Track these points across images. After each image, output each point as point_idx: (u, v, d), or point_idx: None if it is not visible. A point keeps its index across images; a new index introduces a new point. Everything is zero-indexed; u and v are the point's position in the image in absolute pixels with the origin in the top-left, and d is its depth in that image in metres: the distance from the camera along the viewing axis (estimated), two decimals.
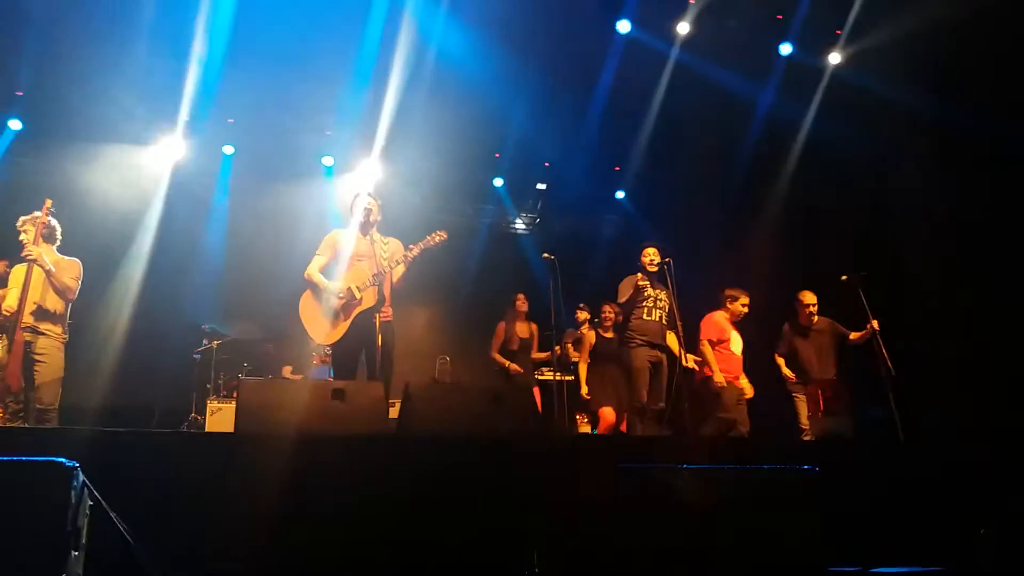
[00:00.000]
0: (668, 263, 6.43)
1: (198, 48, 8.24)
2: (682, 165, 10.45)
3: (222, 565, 2.90)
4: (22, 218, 5.50)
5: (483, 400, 4.45)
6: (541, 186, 11.13)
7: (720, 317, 6.89)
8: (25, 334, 5.20)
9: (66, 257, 5.56)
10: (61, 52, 8.41)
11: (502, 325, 8.11)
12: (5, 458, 2.19)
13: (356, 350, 5.28)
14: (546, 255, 6.64)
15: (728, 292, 6.99)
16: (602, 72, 8.89)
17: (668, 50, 8.69)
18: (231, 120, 9.67)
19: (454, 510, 3.34)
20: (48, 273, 5.31)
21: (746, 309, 6.93)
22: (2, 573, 2.11)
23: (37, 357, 5.25)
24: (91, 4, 7.49)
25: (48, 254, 5.42)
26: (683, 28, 8.45)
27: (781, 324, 7.25)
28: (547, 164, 10.82)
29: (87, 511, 2.23)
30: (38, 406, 5.19)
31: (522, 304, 8.19)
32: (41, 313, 5.32)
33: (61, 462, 2.19)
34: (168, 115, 9.14)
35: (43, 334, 5.31)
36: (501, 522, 3.29)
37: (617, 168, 10.86)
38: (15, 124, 9.16)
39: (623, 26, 8.45)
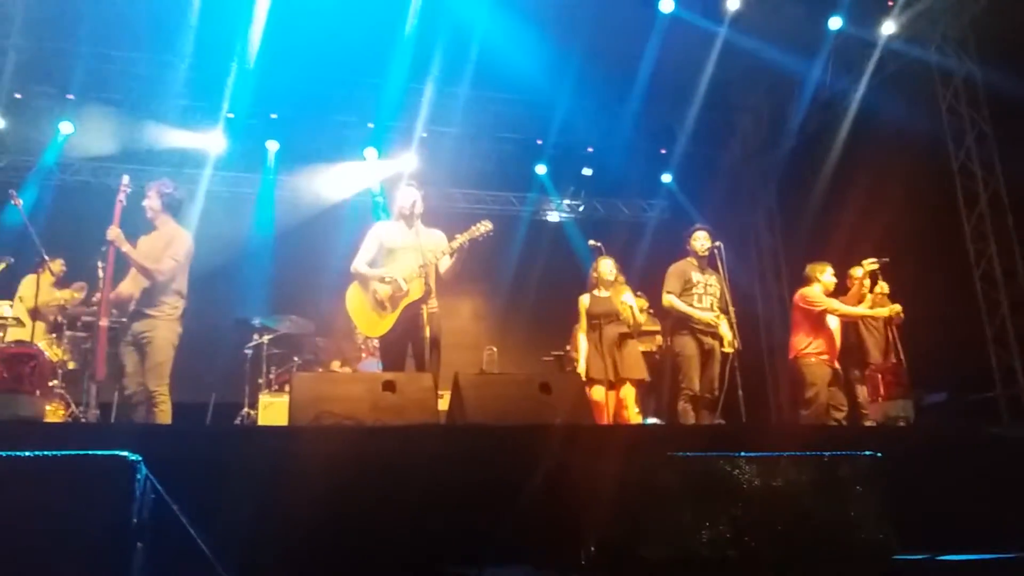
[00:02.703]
0: (719, 247, 6.31)
1: (241, 45, 8.35)
2: (730, 145, 10.31)
3: (279, 555, 2.93)
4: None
5: (532, 389, 4.42)
6: (586, 172, 11.05)
7: (815, 292, 6.66)
8: (106, 320, 5.18)
9: (176, 230, 5.49)
10: (110, 54, 8.61)
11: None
12: (71, 452, 2.23)
13: (404, 342, 5.28)
14: (593, 242, 6.56)
15: (811, 267, 6.80)
16: (645, 53, 8.77)
17: (714, 27, 8.52)
18: (274, 115, 9.79)
19: (506, 499, 3.33)
20: (126, 255, 5.21)
21: (836, 280, 6.74)
22: (72, 565, 2.15)
23: (142, 340, 5.21)
24: (138, 5, 7.62)
25: (164, 226, 5.42)
26: (733, 4, 8.27)
27: None
28: (591, 149, 10.73)
29: (150, 504, 2.27)
30: (149, 388, 5.16)
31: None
32: (143, 295, 5.27)
33: (125, 455, 2.22)
34: (211, 111, 9.29)
35: (147, 316, 5.25)
36: (553, 510, 3.27)
37: (663, 151, 10.73)
38: (67, 127, 9.38)
39: (666, 5, 8.31)
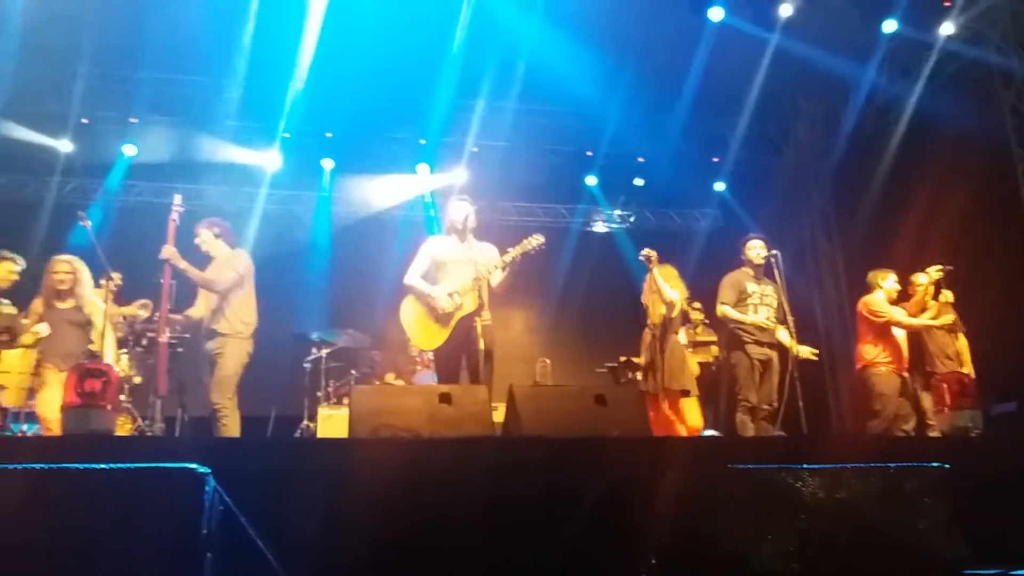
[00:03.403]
0: (776, 256, 6.22)
1: (294, 65, 8.55)
2: (784, 152, 10.17)
3: (342, 564, 2.97)
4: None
5: (587, 401, 4.41)
6: (638, 182, 11.00)
7: (879, 300, 6.54)
8: (165, 336, 5.40)
9: (233, 250, 5.75)
10: (170, 78, 8.90)
11: None
12: (144, 464, 2.31)
13: (458, 355, 5.32)
14: (643, 254, 6.52)
15: (873, 275, 6.66)
16: (694, 62, 8.72)
17: (765, 34, 8.43)
18: (329, 134, 10.00)
19: (563, 511, 3.32)
20: (183, 272, 5.42)
21: (899, 286, 6.60)
22: (144, 572, 2.22)
23: (214, 357, 5.44)
24: (196, 30, 7.86)
25: (220, 252, 5.65)
26: (785, 11, 8.17)
27: None
28: (641, 159, 10.69)
29: (218, 515, 2.33)
30: (213, 401, 5.37)
31: None
32: (214, 315, 5.49)
33: (194, 468, 2.29)
34: (267, 131, 9.53)
35: (218, 334, 5.47)
36: (611, 523, 3.25)
37: (716, 159, 10.63)
38: (130, 149, 9.72)
39: (715, 14, 8.25)
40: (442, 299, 5.25)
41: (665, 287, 6.27)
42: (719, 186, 10.99)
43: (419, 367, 8.44)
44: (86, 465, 2.32)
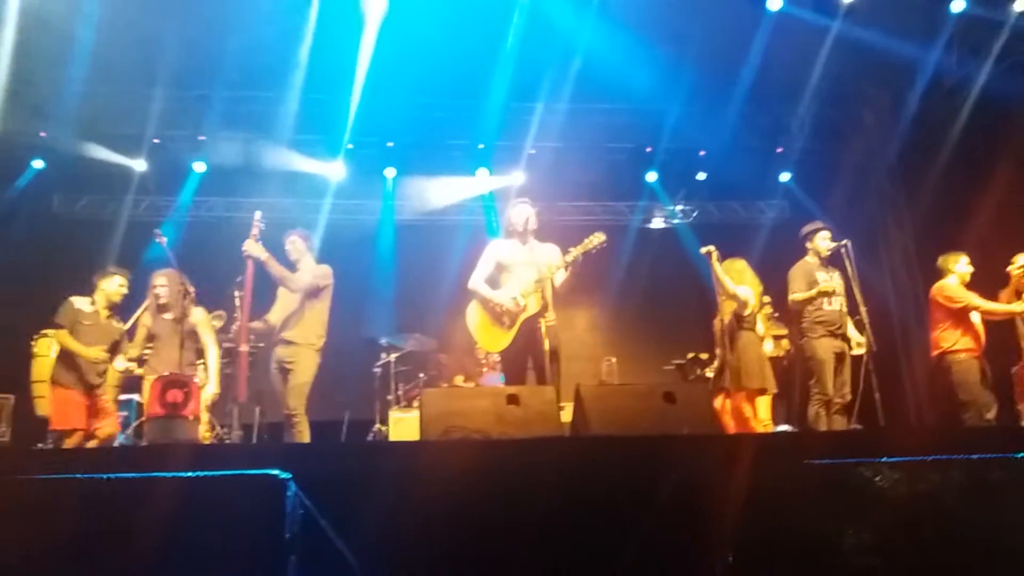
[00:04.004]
0: (846, 245, 6.08)
1: (353, 77, 8.72)
2: (850, 140, 9.90)
3: (419, 566, 3.02)
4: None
5: (655, 399, 4.39)
6: (700, 176, 10.86)
7: (953, 285, 6.35)
8: (246, 346, 5.61)
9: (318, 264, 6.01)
10: (238, 95, 9.18)
11: None
12: (228, 472, 2.40)
13: (524, 356, 5.37)
14: (704, 249, 6.44)
15: (944, 259, 6.46)
16: (754, 52, 8.57)
17: (827, 21, 8.22)
18: (390, 143, 10.16)
19: (635, 510, 3.31)
20: (264, 264, 5.64)
21: (971, 268, 6.39)
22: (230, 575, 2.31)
23: (286, 365, 5.66)
24: (259, 48, 8.09)
25: (308, 263, 5.88)
26: None
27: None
28: (703, 153, 10.55)
29: (299, 519, 2.40)
30: (288, 407, 5.59)
31: None
32: (287, 325, 5.73)
33: (276, 474, 2.37)
34: (331, 143, 9.75)
35: (291, 343, 5.70)
36: (684, 521, 3.23)
37: (780, 149, 10.42)
38: (200, 166, 10.06)
39: (774, 2, 8.10)
40: (506, 302, 5.30)
41: (728, 283, 6.19)
42: (784, 176, 10.77)
43: (486, 369, 8.51)
44: (172, 474, 2.42)
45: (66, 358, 5.84)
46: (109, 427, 5.91)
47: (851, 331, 6.06)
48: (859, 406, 5.89)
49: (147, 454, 3.87)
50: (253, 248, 5.60)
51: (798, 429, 6.90)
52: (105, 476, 2.63)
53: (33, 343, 7.13)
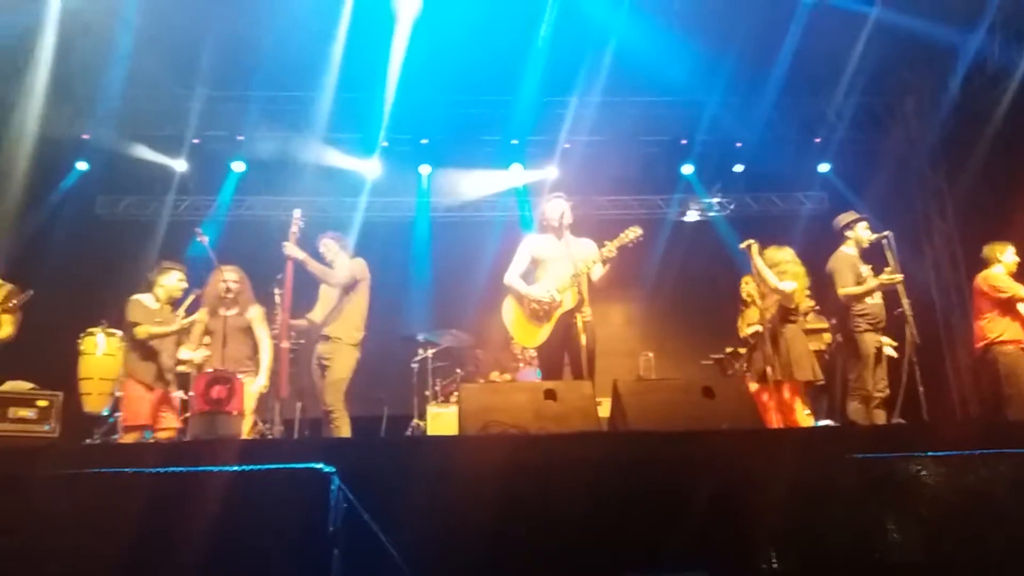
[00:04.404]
0: (888, 237, 5.98)
1: (386, 75, 8.78)
2: (891, 129, 9.72)
3: (460, 559, 3.05)
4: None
5: (694, 394, 4.36)
6: (738, 168, 10.74)
7: (1000, 275, 6.22)
8: (287, 342, 5.72)
9: (352, 259, 6.09)
10: (275, 95, 9.30)
11: None
12: (273, 465, 2.44)
13: (560, 351, 5.36)
14: (744, 244, 6.36)
15: (989, 248, 6.33)
16: (790, 41, 8.45)
17: (864, 8, 8.08)
18: (425, 140, 10.22)
19: (675, 505, 3.30)
20: (303, 263, 5.74)
21: (1018, 259, 6.25)
22: (275, 571, 2.35)
23: (324, 362, 5.75)
24: (295, 48, 8.18)
25: (338, 259, 5.97)
26: None
27: None
28: (739, 144, 10.43)
29: (342, 512, 2.44)
30: (326, 403, 5.68)
31: None
32: (327, 323, 5.82)
33: (320, 468, 2.41)
34: (367, 141, 9.84)
35: (331, 340, 5.79)
36: (726, 516, 3.21)
37: (818, 140, 10.28)
38: (238, 166, 10.21)
39: None
40: (542, 297, 5.30)
41: (770, 277, 6.10)
42: (823, 167, 10.61)
43: (522, 364, 8.54)
44: (221, 468, 2.47)
45: (141, 353, 5.92)
46: (173, 422, 6.02)
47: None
48: (902, 400, 5.80)
49: (191, 449, 3.95)
50: (291, 249, 5.70)
51: (840, 424, 6.81)
52: (147, 471, 2.69)
53: (79, 341, 7.30)
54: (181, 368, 6.07)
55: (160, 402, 5.91)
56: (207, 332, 6.00)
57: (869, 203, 8.80)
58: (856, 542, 2.80)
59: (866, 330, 5.94)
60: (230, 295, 5.93)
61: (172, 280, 6.14)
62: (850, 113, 9.71)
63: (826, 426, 6.67)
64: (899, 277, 5.93)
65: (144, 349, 5.89)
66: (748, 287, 6.41)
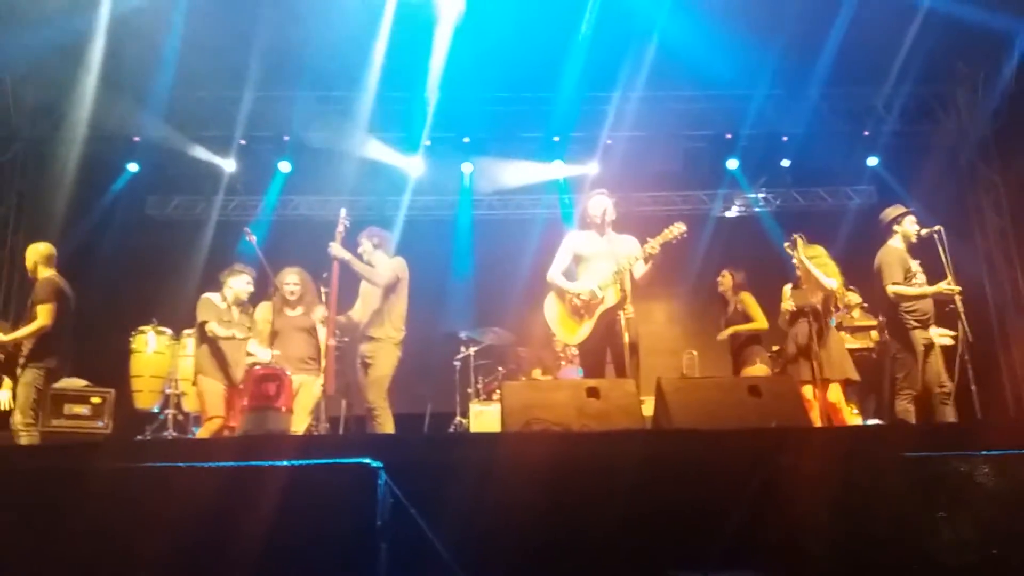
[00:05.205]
0: (939, 231, 5.84)
1: (432, 74, 8.84)
2: (942, 120, 9.47)
3: (505, 556, 3.06)
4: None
5: (740, 392, 4.32)
6: (784, 163, 10.57)
7: None
8: (333, 340, 5.78)
9: (392, 258, 6.14)
10: (322, 95, 9.43)
11: None
12: (324, 460, 2.49)
13: (602, 348, 5.35)
14: (789, 242, 6.27)
15: None
16: (837, 31, 8.29)
17: None
18: (467, 139, 10.26)
19: (722, 503, 3.27)
20: (349, 263, 5.81)
21: None
22: (325, 564, 2.39)
23: (367, 360, 5.83)
24: (339, 49, 8.27)
25: (375, 258, 6.03)
26: None
27: None
28: (785, 138, 10.27)
29: (389, 507, 2.47)
30: (369, 400, 5.76)
31: None
32: (370, 322, 5.90)
33: (368, 463, 2.44)
34: (410, 141, 9.91)
35: (373, 339, 5.86)
36: (774, 515, 3.18)
37: (867, 132, 10.07)
38: (285, 166, 10.36)
39: None
40: (584, 293, 5.29)
41: (819, 274, 6.02)
42: (871, 160, 10.40)
43: (564, 362, 8.53)
44: (270, 463, 2.52)
45: (211, 349, 6.05)
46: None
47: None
48: (954, 398, 5.66)
49: (241, 445, 4.03)
50: (336, 249, 5.79)
51: (888, 422, 6.68)
52: (199, 465, 2.75)
53: (131, 339, 7.49)
54: (250, 360, 6.18)
55: (232, 396, 6.04)
56: (274, 332, 6.11)
57: (919, 197, 8.59)
58: (908, 542, 2.75)
59: (915, 327, 5.79)
60: (294, 296, 6.06)
61: (240, 283, 6.27)
62: (900, 104, 9.49)
63: (876, 424, 6.55)
64: (958, 289, 5.79)
65: (214, 346, 6.04)
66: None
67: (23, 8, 7.39)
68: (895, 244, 6.06)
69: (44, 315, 5.64)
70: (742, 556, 3.05)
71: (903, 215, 6.13)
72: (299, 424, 5.82)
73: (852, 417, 5.89)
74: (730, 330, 7.20)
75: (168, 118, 9.46)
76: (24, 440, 5.51)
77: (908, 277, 5.87)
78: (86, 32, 7.92)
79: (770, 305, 6.98)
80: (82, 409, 7.01)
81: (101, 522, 2.69)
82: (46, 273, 5.89)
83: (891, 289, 5.87)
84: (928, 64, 8.85)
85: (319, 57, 8.39)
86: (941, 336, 5.96)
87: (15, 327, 5.87)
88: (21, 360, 5.72)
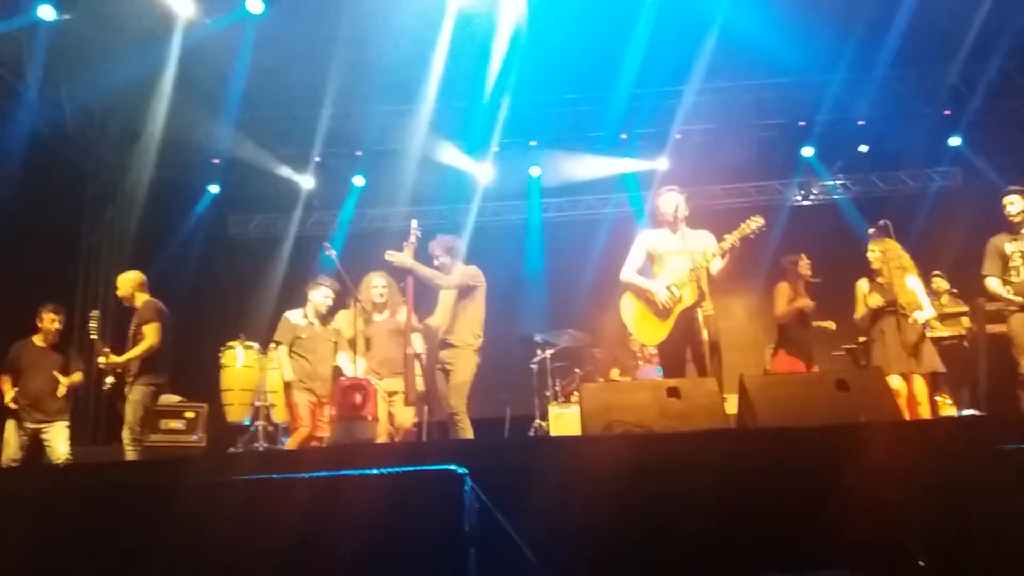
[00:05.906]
0: None
1: (495, 81, 8.90)
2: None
3: (591, 558, 3.06)
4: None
5: (827, 387, 4.20)
6: (862, 148, 10.24)
7: None
8: (412, 348, 5.90)
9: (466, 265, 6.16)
10: (391, 109, 9.60)
11: None
12: (409, 468, 2.54)
13: (682, 348, 5.26)
14: (872, 231, 6.06)
15: None
16: (906, 6, 7.99)
17: None
18: (533, 142, 10.30)
19: (811, 501, 3.20)
20: (412, 269, 5.86)
21: None
22: (416, 571, 2.44)
23: (447, 366, 5.90)
24: (398, 64, 8.41)
25: (455, 268, 6.07)
26: None
27: None
28: (862, 123, 9.95)
29: (476, 512, 2.50)
30: (450, 405, 5.82)
31: None
32: (449, 329, 5.96)
33: (454, 469, 2.48)
34: (479, 147, 10.00)
35: (452, 346, 5.92)
36: (866, 512, 3.09)
37: (947, 112, 9.68)
38: (359, 180, 10.60)
39: None
40: (660, 293, 5.22)
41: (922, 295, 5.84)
42: (954, 141, 9.99)
43: (641, 362, 8.46)
44: (360, 471, 2.58)
45: (298, 362, 6.28)
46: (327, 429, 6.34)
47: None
48: None
49: (331, 455, 4.14)
50: (396, 256, 5.85)
51: (984, 413, 6.40)
52: (292, 476, 2.83)
53: (220, 355, 7.76)
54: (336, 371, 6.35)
55: (318, 408, 6.21)
56: (366, 339, 6.23)
57: (1006, 175, 8.21)
58: (1007, 538, 2.64)
59: (1018, 310, 5.53)
60: (381, 300, 6.19)
61: (319, 296, 6.45)
62: (981, 80, 9.09)
63: (971, 416, 6.29)
64: None
65: (300, 359, 6.20)
66: (874, 255, 6.11)
67: (106, 42, 7.76)
68: (1003, 231, 5.79)
69: (152, 334, 5.90)
70: (834, 554, 2.97)
71: (1002, 194, 5.83)
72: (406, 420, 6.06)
73: (946, 408, 5.66)
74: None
75: (246, 139, 9.78)
76: (130, 455, 5.78)
77: (1004, 265, 5.62)
78: (163, 61, 8.25)
79: (853, 296, 6.76)
80: (177, 424, 7.28)
81: (194, 536, 2.79)
82: (144, 297, 6.16)
83: (986, 283, 5.69)
84: (1010, 37, 8.45)
85: (384, 72, 8.55)
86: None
87: (115, 351, 6.14)
88: (129, 379, 5.97)
